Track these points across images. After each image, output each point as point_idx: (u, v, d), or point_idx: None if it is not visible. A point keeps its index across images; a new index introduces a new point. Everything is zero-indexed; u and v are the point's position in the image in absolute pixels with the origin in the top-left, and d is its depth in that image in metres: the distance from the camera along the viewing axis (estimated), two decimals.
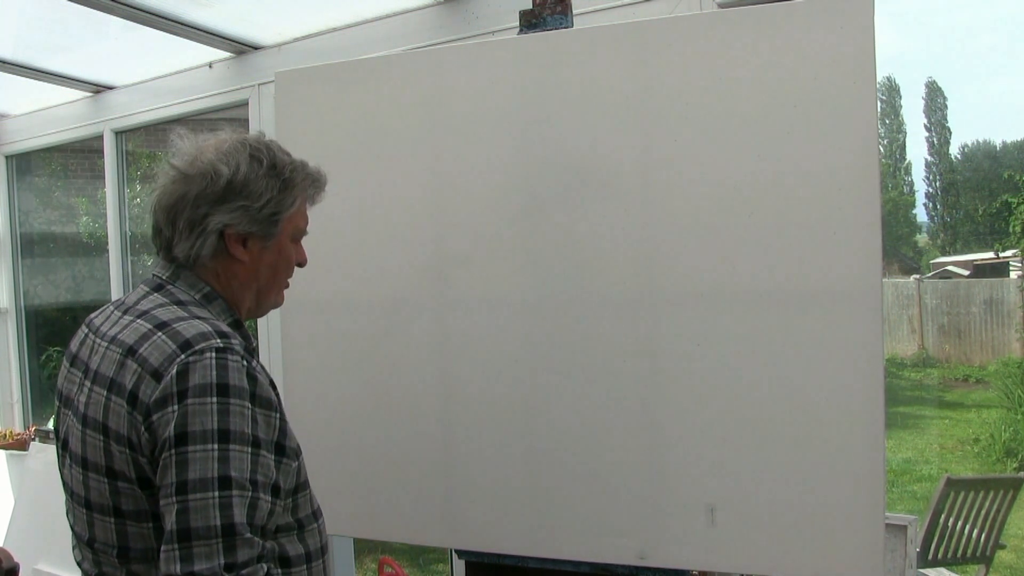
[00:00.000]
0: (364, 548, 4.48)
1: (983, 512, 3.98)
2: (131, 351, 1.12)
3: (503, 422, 1.65)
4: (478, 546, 1.69)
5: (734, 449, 1.49)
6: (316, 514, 1.25)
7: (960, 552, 3.94)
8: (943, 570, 3.85)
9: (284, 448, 1.14)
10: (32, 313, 4.26)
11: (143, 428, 1.07)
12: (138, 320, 1.16)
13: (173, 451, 1.04)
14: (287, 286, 1.34)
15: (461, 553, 1.73)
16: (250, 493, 1.05)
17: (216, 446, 1.04)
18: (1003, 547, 4.30)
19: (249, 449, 1.07)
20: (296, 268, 1.34)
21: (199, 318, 1.15)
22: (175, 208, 1.20)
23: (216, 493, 1.02)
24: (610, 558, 1.58)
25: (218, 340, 1.10)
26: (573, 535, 1.60)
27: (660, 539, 1.54)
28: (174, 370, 1.07)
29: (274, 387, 1.17)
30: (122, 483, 1.11)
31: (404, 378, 1.72)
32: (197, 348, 1.08)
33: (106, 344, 1.16)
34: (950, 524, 3.90)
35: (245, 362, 1.11)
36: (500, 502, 1.65)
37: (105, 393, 1.12)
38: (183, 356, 1.08)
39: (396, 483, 1.64)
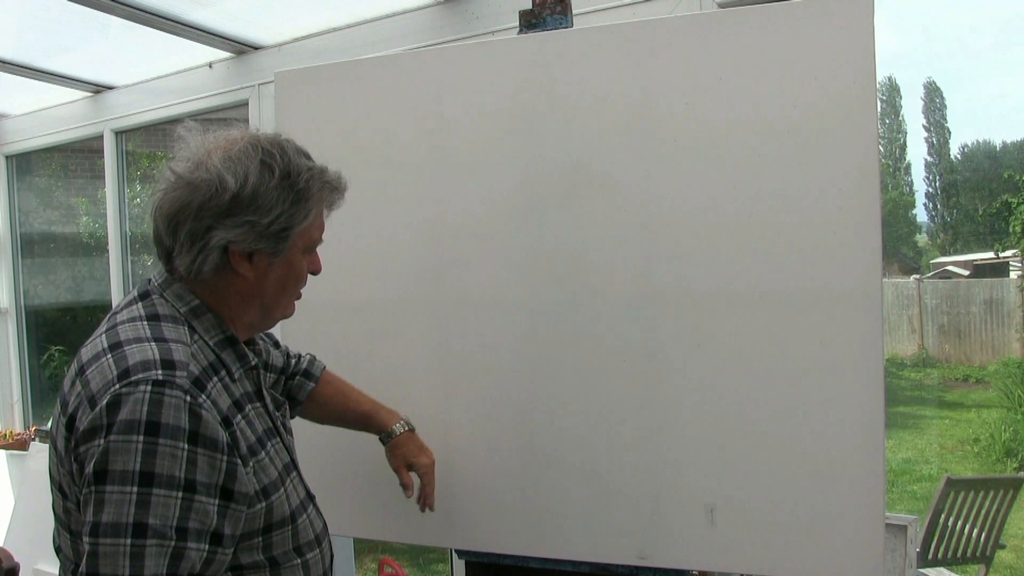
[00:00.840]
0: (364, 548, 4.48)
1: (983, 512, 3.98)
2: (81, 370, 1.06)
3: (503, 422, 1.65)
4: (478, 546, 1.69)
5: (734, 449, 1.49)
6: (301, 549, 1.18)
7: (960, 552, 3.94)
8: (943, 570, 3.85)
9: (232, 493, 1.04)
10: (32, 313, 4.26)
11: (74, 457, 1.01)
12: (104, 333, 1.09)
13: (92, 488, 0.97)
14: (299, 296, 1.27)
15: (461, 553, 1.73)
16: (172, 543, 0.97)
17: (135, 489, 0.96)
18: (1003, 547, 4.30)
19: (178, 494, 0.98)
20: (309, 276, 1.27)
21: (159, 340, 1.06)
22: (176, 217, 1.10)
23: (128, 540, 0.95)
24: (610, 558, 1.58)
25: (159, 372, 1.01)
26: (573, 535, 1.60)
27: (660, 539, 1.54)
28: (105, 400, 0.99)
29: (230, 423, 1.07)
30: (70, 503, 1.07)
31: (404, 379, 1.72)
32: (133, 379, 1.00)
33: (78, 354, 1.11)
34: (950, 524, 3.90)
35: (189, 397, 1.01)
36: (500, 502, 1.65)
37: (58, 410, 1.08)
38: (117, 386, 1.00)
39: (396, 483, 1.64)
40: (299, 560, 1.17)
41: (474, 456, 1.67)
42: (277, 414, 1.29)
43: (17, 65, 3.13)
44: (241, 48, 2.90)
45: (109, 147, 3.48)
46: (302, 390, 1.56)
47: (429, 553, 5.05)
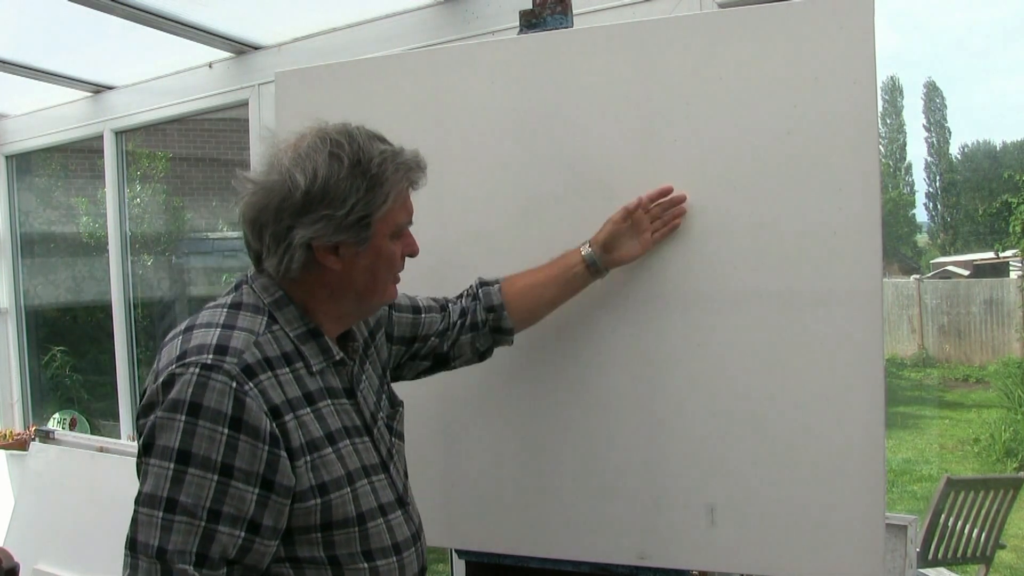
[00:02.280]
0: None
1: (983, 512, 3.98)
2: (162, 346, 1.12)
3: (503, 422, 1.65)
4: (478, 546, 1.69)
5: (734, 449, 1.49)
6: (371, 554, 1.15)
7: (960, 552, 3.95)
8: (943, 570, 3.85)
9: (272, 484, 1.04)
10: (32, 313, 4.26)
11: (136, 427, 1.07)
12: (192, 315, 1.15)
13: (141, 459, 1.03)
14: (398, 280, 1.25)
15: (461, 553, 1.73)
16: (202, 523, 1.00)
17: (172, 465, 1.00)
18: (1003, 547, 4.30)
19: (213, 476, 1.00)
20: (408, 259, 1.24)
21: (227, 327, 1.10)
22: (258, 222, 1.12)
23: (160, 513, 1.00)
24: (610, 558, 1.58)
25: (209, 356, 1.04)
26: (573, 535, 1.60)
27: (660, 539, 1.54)
28: (162, 378, 1.04)
29: (280, 415, 1.06)
30: None
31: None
32: (186, 361, 1.04)
33: None
34: (950, 524, 3.90)
35: (235, 383, 1.03)
36: (500, 502, 1.65)
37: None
38: (174, 366, 1.04)
39: None
40: (366, 565, 1.14)
41: (474, 456, 1.67)
42: (381, 415, 1.28)
43: (17, 65, 3.12)
44: (241, 48, 2.90)
45: (109, 147, 3.47)
46: (501, 324, 1.49)
47: (429, 553, 5.05)
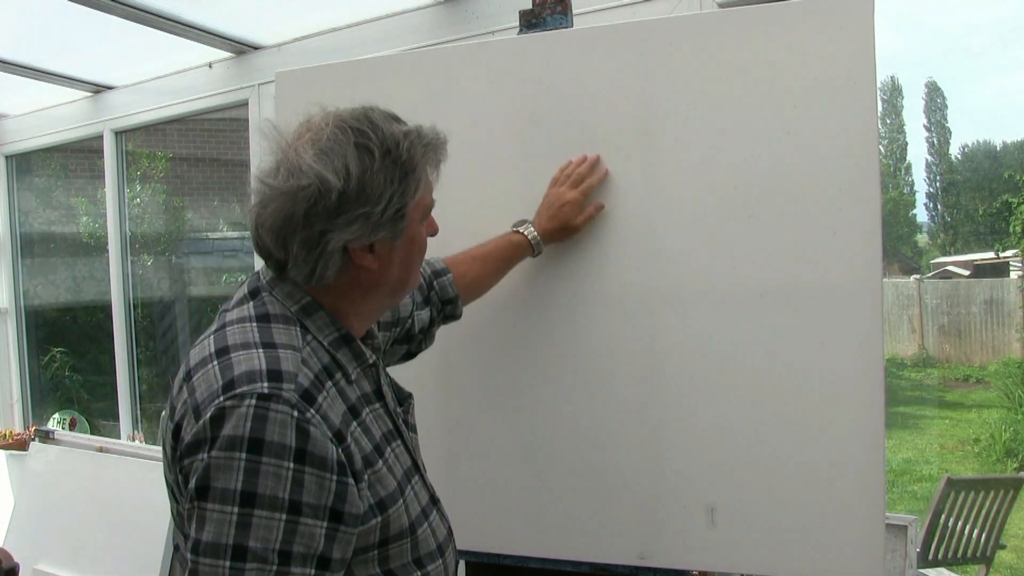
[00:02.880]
0: None
1: (983, 512, 3.98)
2: (188, 375, 1.00)
3: (503, 422, 1.65)
4: (478, 546, 1.69)
5: (734, 449, 1.49)
6: (421, 561, 1.09)
7: (960, 552, 3.95)
8: (943, 570, 3.85)
9: (342, 515, 0.96)
10: (32, 313, 4.26)
11: (179, 468, 0.96)
12: (212, 335, 1.03)
13: (195, 504, 0.92)
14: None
15: (461, 553, 1.73)
16: (274, 567, 0.90)
17: (236, 509, 0.90)
18: (1003, 547, 4.30)
19: (282, 516, 0.91)
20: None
21: (268, 345, 0.99)
22: (283, 231, 1.01)
23: (228, 563, 0.89)
24: (610, 558, 1.58)
25: (264, 385, 0.93)
26: (573, 535, 1.60)
27: (660, 539, 1.54)
28: (209, 413, 0.93)
29: (343, 439, 0.98)
30: (182, 508, 1.01)
31: (403, 377, 1.72)
32: (238, 392, 0.93)
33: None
34: (950, 524, 3.90)
35: (296, 412, 0.93)
36: (500, 502, 1.65)
37: (166, 413, 1.02)
38: (221, 398, 0.93)
39: None
40: (419, 572, 1.09)
41: (474, 456, 1.67)
42: (399, 411, 1.21)
43: (17, 65, 3.13)
44: (241, 48, 2.90)
45: (109, 147, 3.48)
46: (446, 293, 1.50)
47: None
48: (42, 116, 3.71)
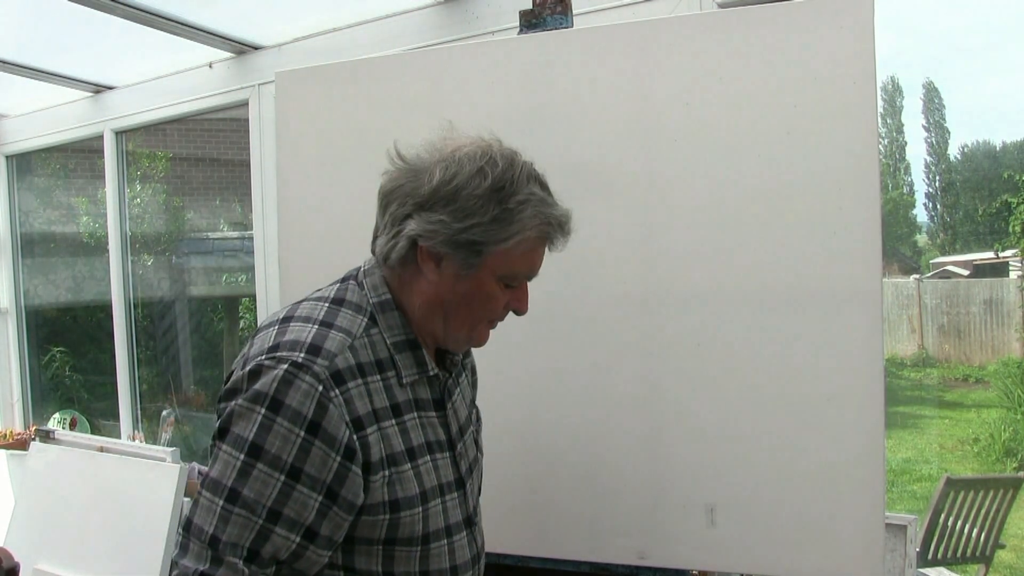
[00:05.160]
0: None
1: (983, 512, 3.98)
2: (256, 332, 1.10)
3: (503, 422, 1.65)
4: None
5: (734, 449, 1.49)
6: (429, 574, 1.10)
7: (960, 552, 3.95)
8: (943, 570, 3.85)
9: (337, 496, 1.01)
10: (32, 313, 4.26)
11: (216, 410, 1.04)
12: (290, 305, 1.12)
13: (215, 442, 1.02)
14: (493, 326, 1.17)
15: None
16: (260, 521, 0.98)
17: (243, 456, 0.98)
18: (1003, 547, 4.30)
19: (280, 476, 0.98)
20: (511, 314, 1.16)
21: (325, 324, 1.06)
22: (388, 198, 1.10)
23: (221, 501, 0.98)
24: (610, 558, 1.58)
25: (301, 355, 1.01)
26: (573, 535, 1.60)
27: (660, 539, 1.54)
28: (250, 367, 1.01)
29: (362, 427, 1.02)
30: None
31: None
32: (278, 355, 1.01)
33: None
34: (950, 524, 3.90)
35: (322, 387, 0.99)
36: (500, 502, 1.65)
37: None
38: (263, 357, 1.02)
39: None
40: None
41: None
42: (471, 428, 1.25)
43: (17, 65, 3.12)
44: (241, 48, 2.90)
45: (109, 147, 3.47)
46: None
47: None
48: (42, 116, 3.71)
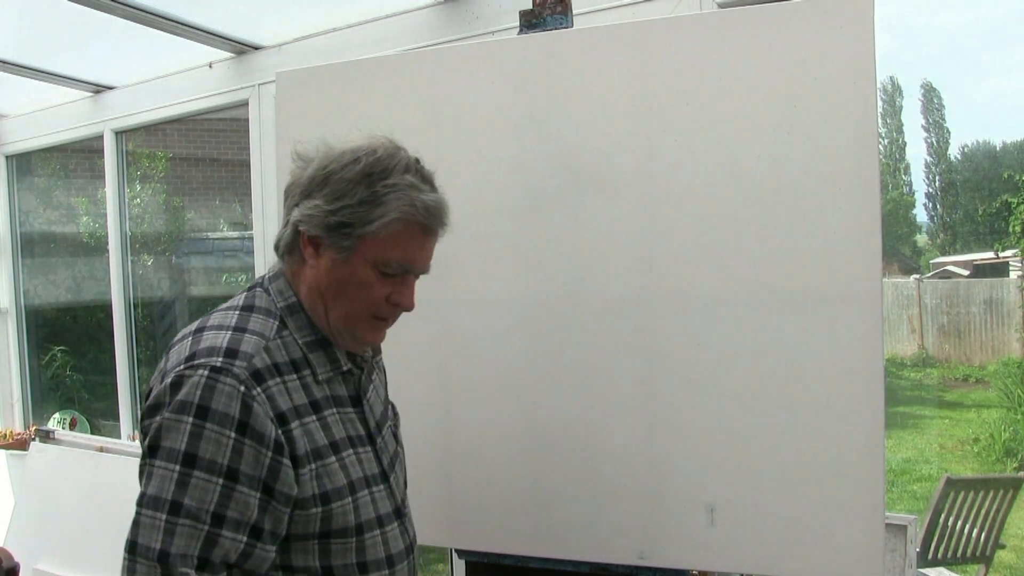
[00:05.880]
0: None
1: (983, 512, 3.98)
2: (170, 347, 1.11)
3: (503, 422, 1.65)
4: (478, 546, 1.69)
5: (734, 449, 1.49)
6: (365, 567, 1.13)
7: (960, 552, 3.95)
8: (943, 570, 3.85)
9: (273, 490, 1.03)
10: (32, 313, 4.26)
11: (141, 428, 1.06)
12: (203, 317, 1.15)
13: (146, 460, 1.03)
14: (380, 323, 1.19)
15: (461, 553, 1.73)
16: (206, 527, 0.99)
17: (178, 468, 0.99)
18: (1003, 547, 4.30)
19: (219, 480, 1.00)
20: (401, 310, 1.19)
21: (238, 329, 1.09)
22: (286, 193, 1.16)
23: (164, 516, 0.99)
24: (610, 558, 1.58)
25: (219, 359, 1.04)
26: (573, 535, 1.60)
27: (660, 539, 1.54)
28: (170, 379, 1.03)
29: (286, 422, 1.05)
30: None
31: (405, 378, 1.72)
32: (196, 363, 1.04)
33: None
34: (950, 524, 3.90)
35: (244, 388, 1.02)
36: (500, 502, 1.65)
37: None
38: (183, 367, 1.04)
39: None
40: None
41: (474, 456, 1.67)
42: (388, 423, 1.29)
43: (17, 65, 3.12)
44: (241, 48, 2.90)
45: (109, 147, 3.47)
46: None
47: (429, 553, 5.04)
48: (42, 116, 3.71)
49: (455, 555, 1.83)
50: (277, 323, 1.13)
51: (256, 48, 2.90)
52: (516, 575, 1.68)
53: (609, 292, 1.56)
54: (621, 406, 1.56)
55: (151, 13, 2.55)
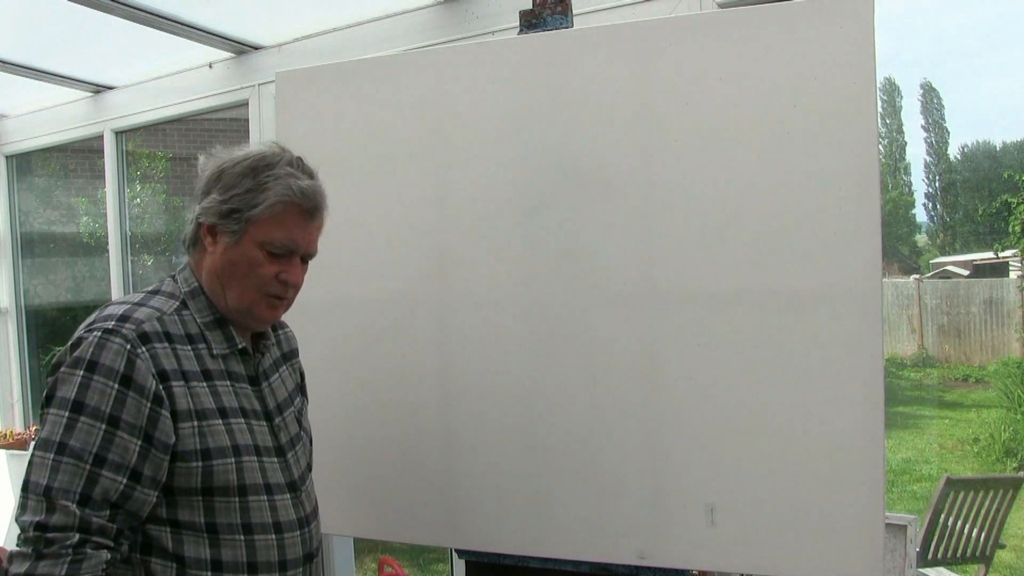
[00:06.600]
0: (364, 548, 4.48)
1: (983, 512, 3.98)
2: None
3: (503, 422, 1.65)
4: (478, 546, 1.69)
5: (734, 449, 1.49)
6: (250, 528, 1.24)
7: (960, 552, 3.95)
8: (943, 570, 3.85)
9: (152, 438, 1.16)
10: (32, 313, 4.26)
11: (45, 384, 1.20)
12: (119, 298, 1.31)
13: (43, 409, 1.16)
14: (275, 299, 1.31)
15: (461, 553, 1.73)
16: (88, 466, 1.11)
17: (67, 414, 1.12)
18: (1003, 547, 4.30)
19: (101, 425, 1.12)
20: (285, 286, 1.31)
21: (137, 304, 1.23)
22: (193, 199, 1.31)
23: (51, 455, 1.11)
24: (610, 558, 1.58)
25: (112, 323, 1.18)
26: (573, 535, 1.60)
27: (660, 539, 1.54)
28: (71, 342, 1.17)
29: (167, 378, 1.18)
30: None
31: (404, 378, 1.72)
32: (94, 327, 1.18)
33: None
34: (950, 524, 3.90)
35: (130, 346, 1.16)
36: (500, 502, 1.65)
37: None
38: (81, 331, 1.18)
39: (396, 483, 1.64)
40: (243, 538, 1.23)
41: (474, 456, 1.67)
42: (292, 409, 1.41)
43: (17, 65, 3.12)
44: (241, 48, 2.90)
45: (109, 147, 3.47)
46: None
47: (429, 553, 5.05)
48: (42, 116, 3.70)
49: (455, 555, 1.83)
50: (178, 304, 1.28)
51: (256, 48, 2.90)
52: (516, 575, 1.68)
53: (609, 292, 1.56)
54: (621, 406, 1.56)
55: (151, 13, 2.55)
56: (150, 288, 1.31)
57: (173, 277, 1.33)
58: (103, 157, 3.50)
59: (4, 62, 3.09)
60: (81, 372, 1.14)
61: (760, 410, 1.47)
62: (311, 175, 1.32)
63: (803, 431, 1.45)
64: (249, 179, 1.26)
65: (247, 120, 2.96)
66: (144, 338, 1.19)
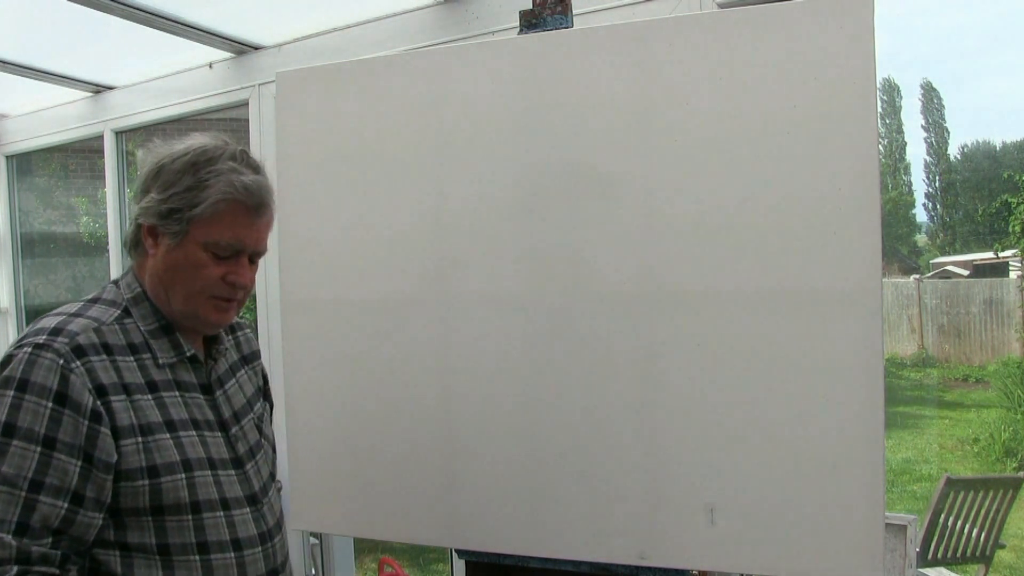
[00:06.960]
0: (364, 548, 4.48)
1: (983, 512, 3.98)
2: None
3: (503, 422, 1.65)
4: (478, 546, 1.69)
5: (734, 449, 1.49)
6: (206, 547, 1.16)
7: (960, 551, 3.95)
8: (943, 569, 3.86)
9: (92, 458, 1.08)
10: (32, 313, 4.25)
11: None
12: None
13: None
14: (224, 302, 1.23)
15: (461, 553, 1.73)
16: (23, 492, 1.03)
17: None
18: (1003, 546, 4.31)
19: (36, 448, 1.04)
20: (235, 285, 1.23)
21: (73, 315, 1.16)
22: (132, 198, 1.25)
23: None
24: (610, 558, 1.58)
25: (43, 337, 1.10)
26: (573, 535, 1.60)
27: (660, 539, 1.54)
28: (1, 359, 1.10)
29: (105, 393, 1.10)
30: None
31: (404, 378, 1.72)
32: (23, 342, 1.10)
33: None
34: (950, 524, 3.91)
35: (63, 361, 1.08)
36: (500, 502, 1.65)
37: None
38: (12, 347, 1.11)
39: (396, 483, 1.64)
40: (198, 558, 1.15)
41: (474, 456, 1.67)
42: (250, 416, 1.33)
43: (17, 65, 3.12)
44: (241, 48, 2.90)
45: (109, 147, 3.47)
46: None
47: (429, 553, 5.05)
48: (42, 116, 3.71)
49: (455, 555, 1.83)
50: (120, 312, 1.19)
51: (256, 48, 2.90)
52: (516, 575, 1.68)
53: (609, 292, 1.56)
54: (622, 406, 1.56)
55: (151, 13, 2.55)
56: (90, 296, 1.22)
57: (116, 283, 1.25)
58: (103, 157, 3.50)
59: (4, 62, 3.09)
60: (12, 392, 1.06)
61: (760, 410, 1.47)
62: (256, 169, 1.24)
63: (803, 431, 1.45)
64: (189, 176, 1.17)
65: (247, 120, 2.96)
66: (79, 351, 1.10)
